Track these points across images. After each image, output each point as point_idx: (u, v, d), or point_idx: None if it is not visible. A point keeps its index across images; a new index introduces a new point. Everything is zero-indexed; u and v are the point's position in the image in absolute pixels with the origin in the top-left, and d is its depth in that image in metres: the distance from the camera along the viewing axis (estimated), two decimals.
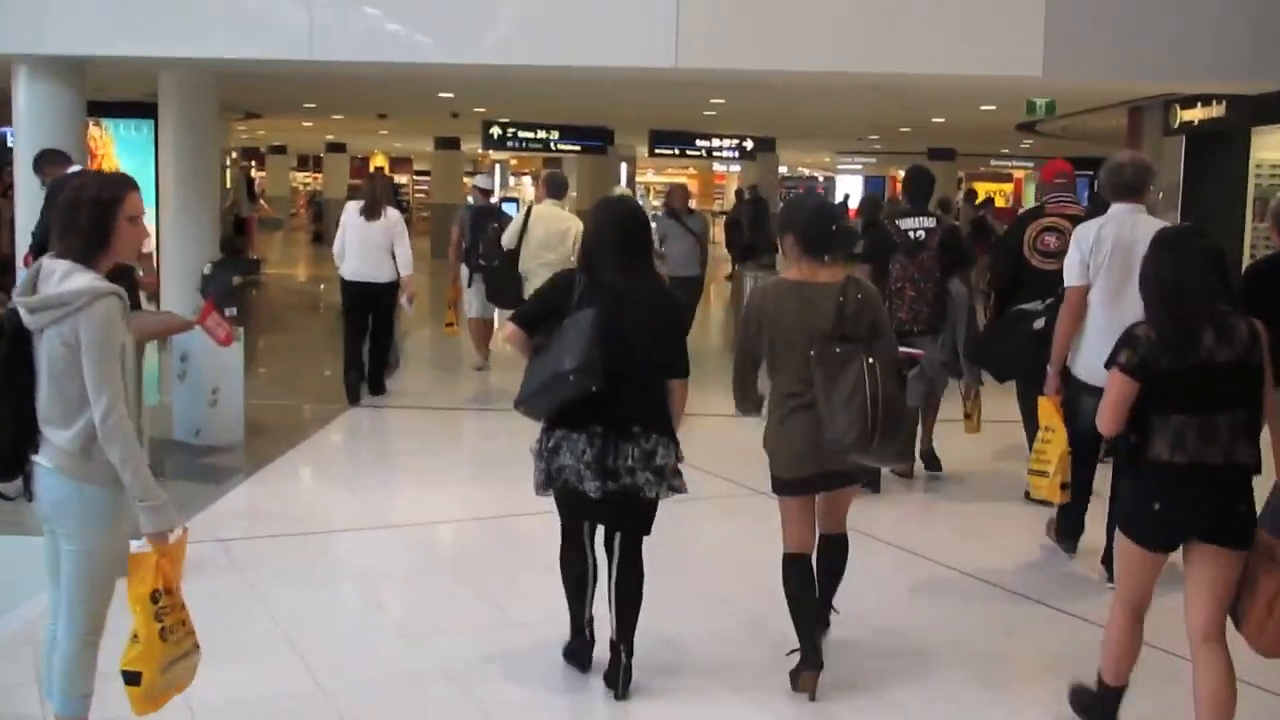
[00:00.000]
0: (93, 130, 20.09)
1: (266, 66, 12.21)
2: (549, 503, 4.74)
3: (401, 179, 50.03)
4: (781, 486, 4.75)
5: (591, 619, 4.85)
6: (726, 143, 27.40)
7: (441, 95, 17.62)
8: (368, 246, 10.04)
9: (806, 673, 4.70)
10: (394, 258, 10.09)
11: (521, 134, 24.10)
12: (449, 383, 12.20)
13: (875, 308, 4.73)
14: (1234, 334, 3.92)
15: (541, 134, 24.37)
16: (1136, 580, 4.13)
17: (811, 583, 4.79)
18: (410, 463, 8.79)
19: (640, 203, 10.12)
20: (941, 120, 20.81)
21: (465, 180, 43.91)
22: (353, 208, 10.37)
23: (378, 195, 10.34)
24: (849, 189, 43.20)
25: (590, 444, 4.42)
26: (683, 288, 12.34)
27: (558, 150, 25.59)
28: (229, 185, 24.69)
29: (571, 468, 4.46)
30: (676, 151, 27.86)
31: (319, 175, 43.80)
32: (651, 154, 27.61)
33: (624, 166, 30.93)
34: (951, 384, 8.10)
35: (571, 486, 4.49)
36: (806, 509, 4.76)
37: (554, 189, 10.84)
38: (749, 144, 27.60)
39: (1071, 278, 5.97)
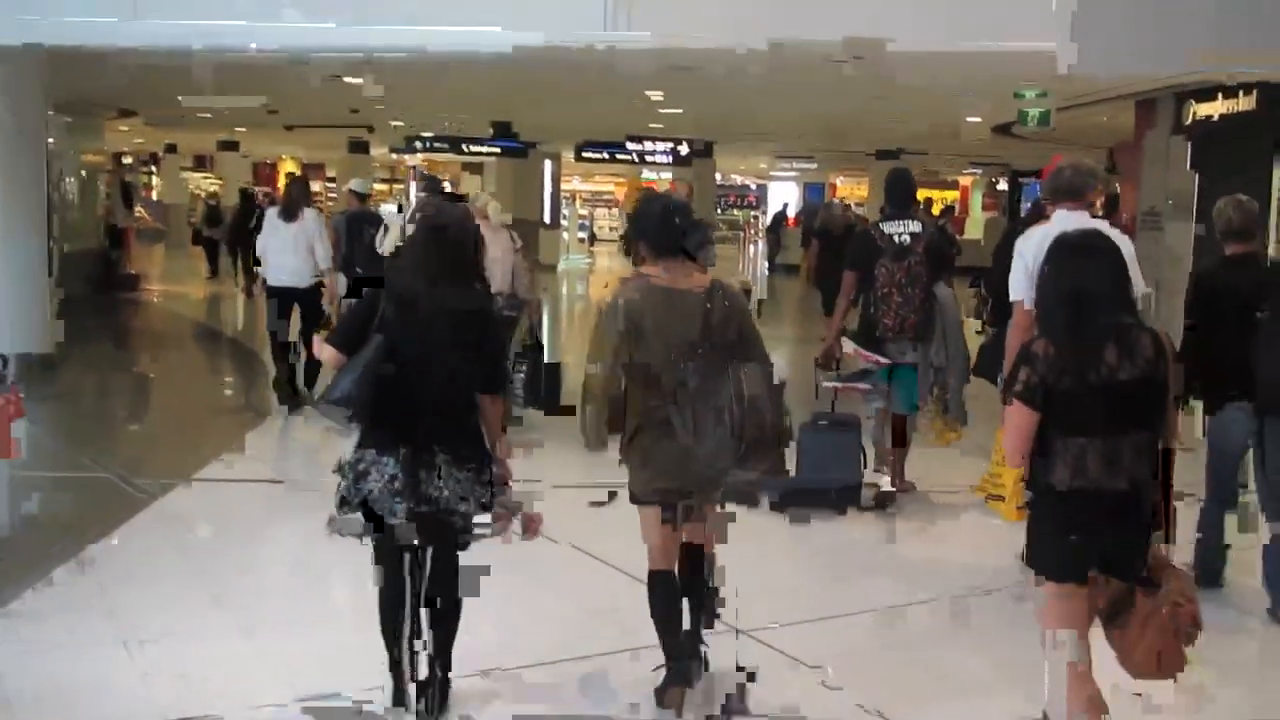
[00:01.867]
0: None
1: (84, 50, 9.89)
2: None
3: (315, 186, 47.42)
4: (643, 499, 4.56)
5: (413, 655, 4.42)
6: (660, 146, 25.02)
7: (349, 80, 14.97)
8: (286, 249, 10.14)
9: (674, 688, 4.58)
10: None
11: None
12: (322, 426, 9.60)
13: (743, 313, 4.58)
14: (1137, 348, 3.70)
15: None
16: (1067, 622, 3.79)
17: (676, 596, 4.62)
18: (234, 589, 5.94)
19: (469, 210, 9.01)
20: (902, 118, 18.58)
21: (379, 187, 41.57)
22: (272, 213, 10.63)
23: (294, 197, 10.57)
24: (785, 196, 41.20)
25: (400, 467, 4.18)
26: None
27: (473, 153, 23.12)
28: (105, 194, 21.93)
29: (380, 492, 4.18)
30: (605, 155, 25.46)
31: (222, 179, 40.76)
32: (579, 158, 25.12)
33: (548, 169, 28.54)
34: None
35: (378, 514, 4.22)
36: (669, 523, 4.57)
37: (430, 189, 11.18)
38: (683, 148, 25.23)
39: (1016, 291, 5.65)
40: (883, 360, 7.49)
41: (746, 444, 4.26)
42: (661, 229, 4.51)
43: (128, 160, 43.55)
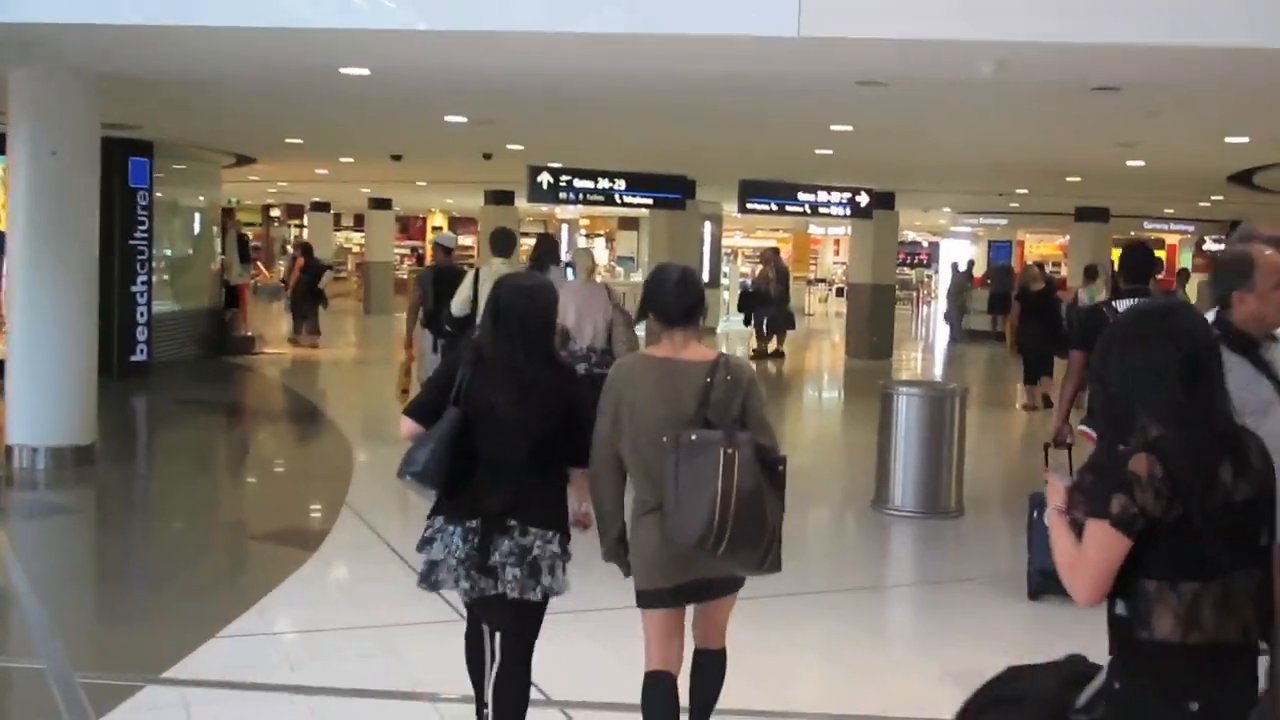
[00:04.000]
0: None
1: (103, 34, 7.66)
2: None
3: (466, 240, 45.71)
4: (644, 599, 4.13)
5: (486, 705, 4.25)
6: (834, 196, 21.99)
7: (450, 119, 12.58)
8: None
9: None
10: None
11: (578, 183, 18.94)
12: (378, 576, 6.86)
13: (750, 390, 4.08)
14: (1247, 460, 2.79)
15: (603, 182, 19.21)
16: None
17: (674, 703, 4.17)
18: None
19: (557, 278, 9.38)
20: (1140, 164, 15.38)
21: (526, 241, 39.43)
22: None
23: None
24: (960, 254, 37.84)
25: (465, 539, 4.06)
26: None
27: (624, 204, 20.47)
28: (221, 247, 19.96)
29: (446, 565, 4.08)
30: (772, 207, 22.50)
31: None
32: (742, 209, 22.24)
33: (708, 225, 25.87)
34: None
35: (449, 588, 4.16)
36: (671, 623, 4.16)
37: (499, 246, 9.82)
38: (862, 198, 22.14)
39: None
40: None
41: (731, 536, 3.78)
42: (668, 297, 4.16)
43: (275, 213, 42.47)
